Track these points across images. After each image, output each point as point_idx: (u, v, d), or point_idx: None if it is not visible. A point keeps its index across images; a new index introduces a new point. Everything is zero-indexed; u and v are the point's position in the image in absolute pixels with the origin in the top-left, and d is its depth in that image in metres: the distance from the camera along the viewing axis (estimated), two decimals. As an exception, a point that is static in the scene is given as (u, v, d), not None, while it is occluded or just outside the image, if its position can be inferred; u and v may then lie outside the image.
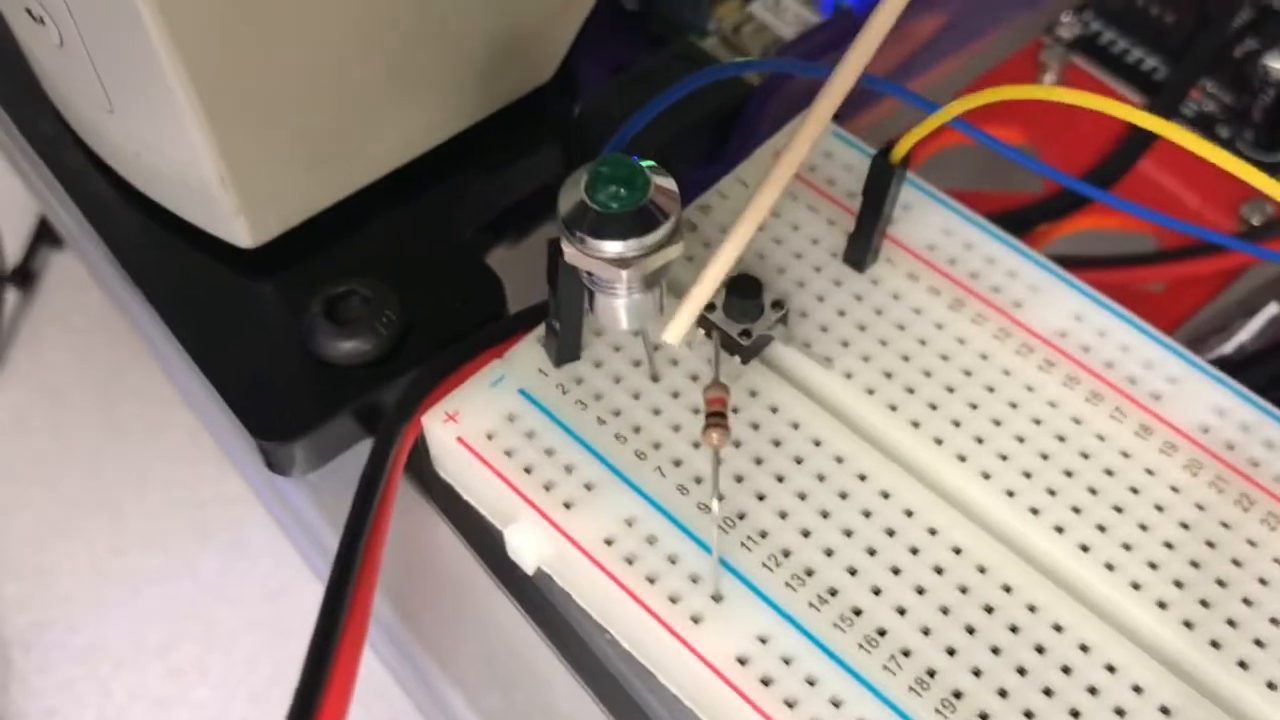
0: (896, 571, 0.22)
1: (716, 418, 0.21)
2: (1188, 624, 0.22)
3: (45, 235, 0.50)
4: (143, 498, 0.46)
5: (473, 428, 0.24)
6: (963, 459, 0.23)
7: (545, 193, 0.31)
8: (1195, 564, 0.22)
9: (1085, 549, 0.22)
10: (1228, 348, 0.30)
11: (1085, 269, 0.33)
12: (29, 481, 0.46)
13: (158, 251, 0.28)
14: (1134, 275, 0.33)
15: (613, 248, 0.21)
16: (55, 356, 0.50)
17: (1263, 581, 0.22)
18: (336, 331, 0.25)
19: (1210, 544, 0.22)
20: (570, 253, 0.21)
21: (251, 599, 0.44)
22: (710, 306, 0.24)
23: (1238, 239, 0.24)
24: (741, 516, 0.23)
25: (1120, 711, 0.21)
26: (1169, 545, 0.22)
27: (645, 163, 0.21)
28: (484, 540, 0.25)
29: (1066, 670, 0.21)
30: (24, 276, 0.51)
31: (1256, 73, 0.35)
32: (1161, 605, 0.22)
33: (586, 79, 0.34)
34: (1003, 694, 0.21)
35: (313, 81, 0.25)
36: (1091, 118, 0.37)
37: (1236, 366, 0.30)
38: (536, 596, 0.24)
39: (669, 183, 0.21)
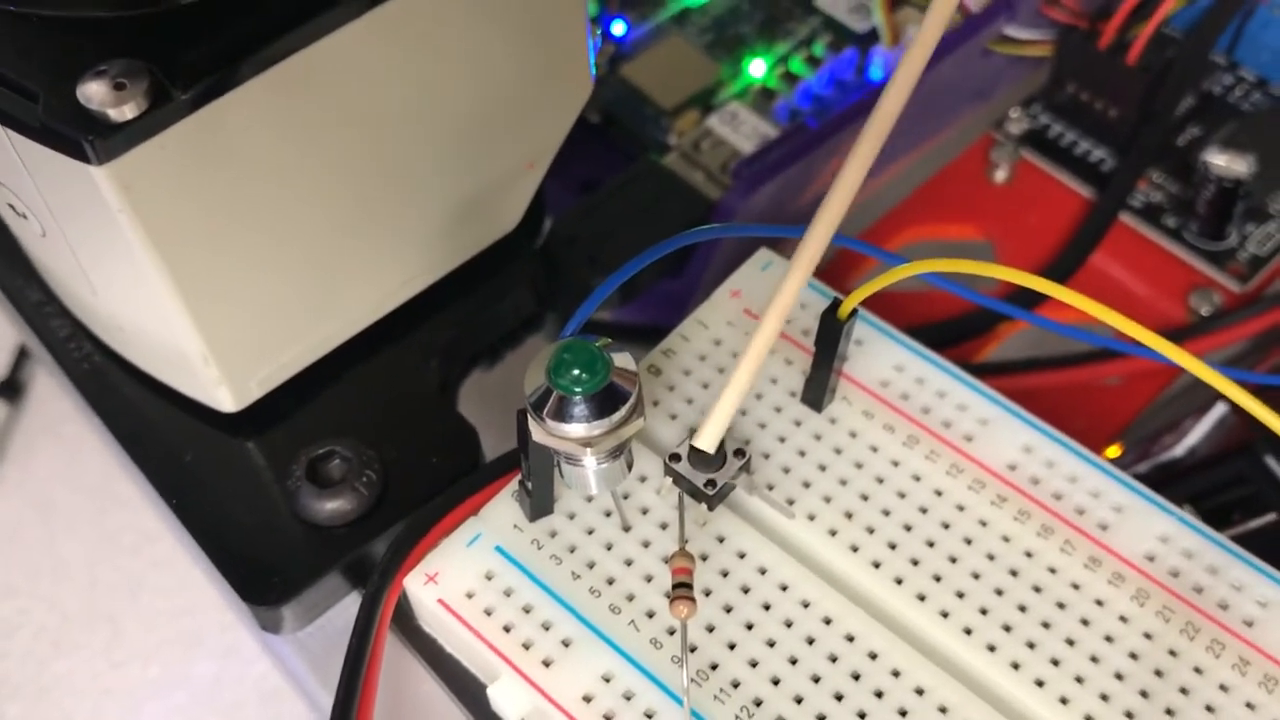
0: (863, 716, 0.23)
1: (683, 589, 0.22)
2: (1140, 754, 0.23)
3: (29, 349, 0.51)
4: (138, 608, 0.47)
5: (452, 588, 0.25)
6: (922, 598, 0.25)
7: (521, 328, 0.32)
8: (1144, 694, 0.23)
9: (1040, 684, 0.24)
10: (1179, 450, 0.32)
11: (1041, 370, 0.35)
12: (26, 597, 0.47)
13: (145, 416, 0.29)
14: (1090, 372, 0.35)
15: (577, 430, 0.22)
16: (46, 468, 0.51)
17: (1209, 709, 0.23)
18: (319, 494, 0.27)
19: (1158, 673, 0.24)
20: (537, 432, 0.22)
21: (249, 702, 0.45)
22: (675, 457, 0.25)
23: (1143, 347, 0.25)
24: (714, 667, 0.24)
25: None
26: (1119, 676, 0.24)
27: (602, 341, 0.22)
28: (469, 691, 0.26)
29: (1026, 807, 0.22)
30: (12, 389, 0.52)
31: (1199, 167, 0.36)
32: (1114, 737, 0.23)
33: (552, 193, 0.36)
34: (967, 835, 0.22)
35: (285, 264, 0.26)
36: (1039, 213, 0.39)
37: (1187, 470, 0.31)
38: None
39: (627, 361, 0.22)
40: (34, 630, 0.47)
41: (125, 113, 0.21)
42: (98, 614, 0.47)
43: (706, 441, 0.24)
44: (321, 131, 0.25)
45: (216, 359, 0.26)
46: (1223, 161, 0.36)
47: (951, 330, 0.36)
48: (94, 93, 0.21)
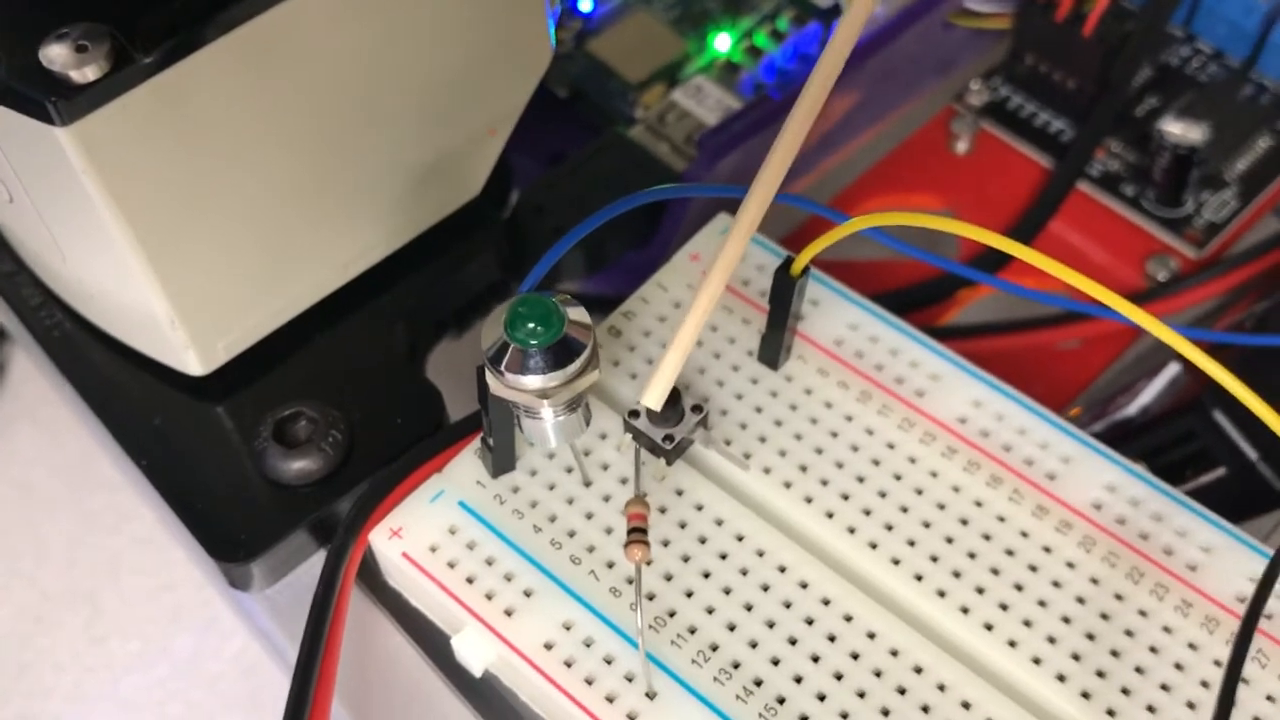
0: (816, 659, 0.24)
1: (637, 534, 0.23)
2: (1085, 694, 0.23)
3: (7, 330, 0.51)
4: (118, 585, 0.48)
5: (416, 542, 0.25)
6: (874, 546, 0.25)
7: (486, 293, 0.33)
8: (1091, 636, 0.24)
9: (989, 627, 0.24)
10: (1132, 409, 0.32)
11: (1000, 334, 0.35)
12: (6, 575, 0.47)
13: (115, 381, 0.29)
14: (1048, 335, 0.35)
15: (533, 382, 0.22)
16: (25, 450, 0.51)
17: (1153, 649, 0.24)
18: (286, 454, 0.27)
19: (1104, 616, 0.24)
20: (495, 385, 0.23)
21: (228, 676, 0.46)
22: (634, 413, 0.26)
23: (1105, 307, 0.25)
24: (672, 614, 0.24)
25: (1023, 782, 0.22)
26: (1066, 620, 0.24)
27: (558, 296, 0.23)
28: (434, 643, 0.26)
29: (974, 745, 0.23)
30: (-10, 372, 0.53)
31: (1154, 135, 0.37)
32: (1060, 678, 0.24)
33: (521, 166, 0.36)
34: (916, 772, 0.23)
35: (250, 227, 0.27)
36: (999, 183, 0.40)
37: (1139, 429, 0.32)
38: (488, 694, 0.26)
39: (582, 315, 0.23)
40: (15, 608, 0.47)
41: (87, 74, 0.22)
42: (78, 591, 0.48)
43: (652, 399, 0.24)
44: (283, 95, 0.25)
45: (183, 322, 0.27)
46: (1177, 130, 0.36)
47: (913, 296, 0.36)
48: (56, 55, 0.22)
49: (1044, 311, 0.35)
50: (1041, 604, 0.24)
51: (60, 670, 0.46)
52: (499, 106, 0.31)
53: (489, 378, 0.23)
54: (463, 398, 0.30)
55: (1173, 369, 0.32)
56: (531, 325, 0.22)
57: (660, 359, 0.24)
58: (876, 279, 0.36)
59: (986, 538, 0.25)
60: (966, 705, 0.23)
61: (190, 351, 0.28)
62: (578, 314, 0.23)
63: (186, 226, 0.25)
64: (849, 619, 0.24)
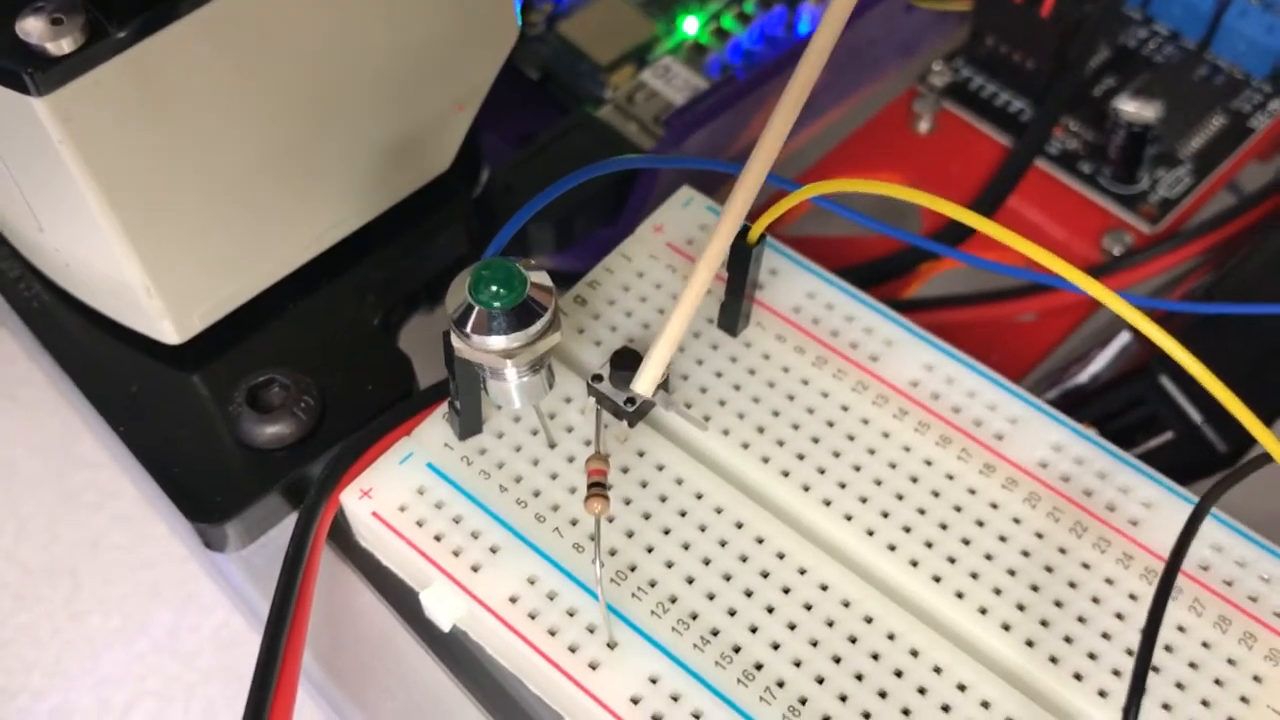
0: (770, 610, 0.25)
1: (597, 488, 0.24)
2: (1029, 642, 0.24)
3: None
4: (98, 562, 0.48)
5: (386, 502, 0.26)
6: (828, 503, 0.26)
7: (455, 266, 0.34)
8: (1035, 587, 0.25)
9: (937, 579, 0.25)
10: (1083, 377, 0.33)
11: (961, 306, 0.36)
12: (-12, 553, 0.48)
13: (93, 350, 0.30)
14: (1006, 308, 0.36)
15: (497, 342, 0.23)
16: (5, 431, 0.52)
17: (1095, 600, 0.25)
18: (259, 419, 0.28)
19: (1048, 569, 0.25)
20: (460, 347, 0.24)
21: (206, 651, 0.46)
22: (597, 377, 0.27)
23: (1063, 279, 0.25)
24: (632, 569, 0.25)
25: (968, 725, 0.23)
26: (1011, 572, 0.25)
27: (521, 261, 0.24)
28: (404, 600, 0.27)
29: (922, 691, 0.24)
30: (-31, 354, 0.53)
31: (1110, 113, 0.38)
32: (1006, 627, 0.24)
33: (493, 146, 0.37)
34: (866, 716, 0.23)
35: (223, 198, 0.27)
36: (960, 162, 0.41)
37: (1091, 396, 0.33)
38: (456, 649, 0.27)
39: (544, 278, 0.24)
40: (-4, 584, 0.48)
41: (63, 46, 0.23)
42: (58, 568, 0.48)
43: (643, 386, 0.25)
44: (253, 70, 0.26)
45: (159, 291, 0.27)
46: (1132, 108, 0.37)
47: (877, 270, 0.37)
48: (32, 27, 0.23)
49: (1003, 285, 0.36)
50: (988, 557, 0.25)
51: (40, 646, 0.46)
52: (466, 82, 0.31)
53: (454, 340, 0.24)
54: (433, 370, 0.31)
55: (1123, 338, 0.33)
56: (495, 288, 0.23)
57: (651, 349, 0.25)
58: (842, 254, 0.36)
59: (935, 494, 0.26)
60: (915, 653, 0.24)
61: (166, 320, 0.28)
62: (539, 277, 0.24)
63: (162, 197, 0.26)
64: (803, 572, 0.25)
